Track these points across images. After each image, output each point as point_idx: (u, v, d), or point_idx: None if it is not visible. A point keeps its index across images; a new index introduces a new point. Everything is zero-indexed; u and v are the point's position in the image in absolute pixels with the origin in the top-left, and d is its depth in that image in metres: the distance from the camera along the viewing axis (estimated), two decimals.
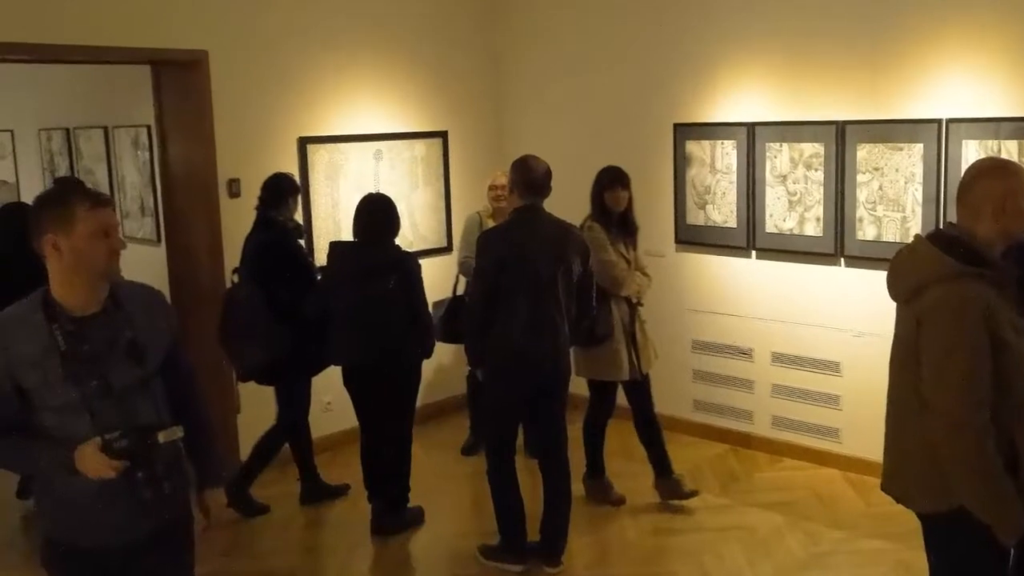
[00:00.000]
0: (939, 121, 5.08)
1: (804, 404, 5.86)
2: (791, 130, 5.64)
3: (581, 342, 4.93)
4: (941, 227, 3.28)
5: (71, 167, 7.85)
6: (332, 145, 6.19)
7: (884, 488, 2.94)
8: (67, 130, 7.88)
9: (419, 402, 5.17)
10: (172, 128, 5.84)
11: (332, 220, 6.21)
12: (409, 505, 5.18)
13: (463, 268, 5.79)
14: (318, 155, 6.12)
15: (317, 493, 5.53)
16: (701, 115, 6.08)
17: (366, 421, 5.09)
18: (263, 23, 5.83)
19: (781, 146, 5.70)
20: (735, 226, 5.97)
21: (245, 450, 5.47)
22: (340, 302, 4.87)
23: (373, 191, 5.36)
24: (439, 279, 6.04)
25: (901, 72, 5.23)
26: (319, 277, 5.20)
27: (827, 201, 5.53)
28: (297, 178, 5.57)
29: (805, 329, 5.79)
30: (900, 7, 5.21)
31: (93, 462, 2.49)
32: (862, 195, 5.40)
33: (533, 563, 4.64)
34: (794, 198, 5.68)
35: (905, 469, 2.82)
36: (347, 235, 5.28)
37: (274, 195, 5.17)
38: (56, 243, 2.53)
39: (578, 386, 5.19)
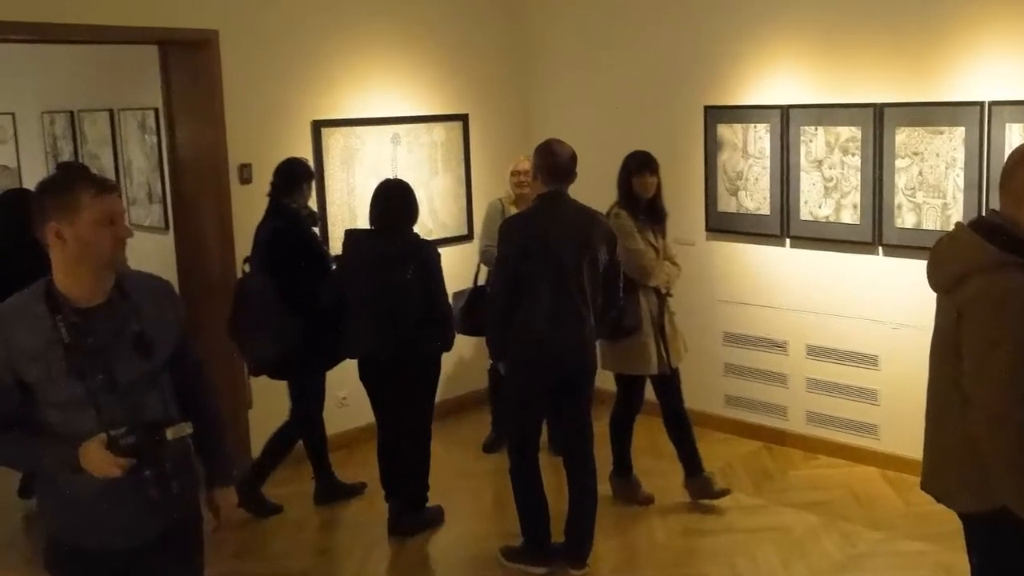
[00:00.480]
0: (982, 104, 5.02)
1: (840, 399, 5.80)
2: (827, 113, 5.59)
3: (608, 334, 4.89)
4: (983, 214, 3.27)
5: (75, 152, 7.83)
6: (347, 129, 6.16)
7: (924, 487, 2.88)
8: (71, 113, 7.85)
9: (438, 397, 5.14)
10: (181, 111, 5.82)
11: (347, 207, 6.17)
12: (428, 505, 5.13)
13: (484, 257, 5.77)
14: (333, 139, 6.09)
15: (332, 492, 5.48)
16: (733, 97, 6.01)
17: (383, 417, 5.04)
18: (275, 1, 5.79)
19: (816, 130, 5.64)
20: (768, 213, 5.91)
21: (257, 447, 5.44)
22: (356, 292, 4.83)
23: (390, 176, 5.38)
24: (459, 268, 5.99)
25: (942, 52, 5.16)
26: (334, 266, 5.15)
27: (864, 187, 5.48)
28: (311, 163, 5.53)
29: (841, 321, 5.72)
30: None
31: (98, 460, 2.44)
32: (901, 181, 5.35)
33: (557, 565, 4.61)
34: (830, 184, 5.62)
35: (945, 467, 2.76)
36: (363, 223, 5.33)
37: (287, 181, 5.13)
38: (60, 231, 2.48)
39: (605, 380, 5.15)
